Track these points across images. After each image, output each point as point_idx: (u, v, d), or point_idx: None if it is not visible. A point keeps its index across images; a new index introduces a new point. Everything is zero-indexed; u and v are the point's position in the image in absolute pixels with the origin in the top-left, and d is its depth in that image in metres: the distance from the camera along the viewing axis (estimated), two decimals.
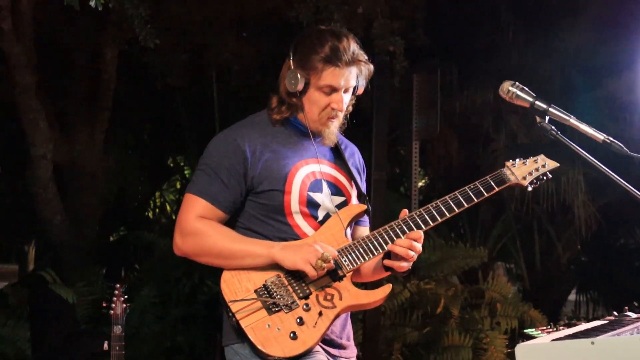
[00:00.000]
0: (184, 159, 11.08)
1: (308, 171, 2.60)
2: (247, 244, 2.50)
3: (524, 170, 2.63)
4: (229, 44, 7.46)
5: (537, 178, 2.64)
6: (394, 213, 2.65)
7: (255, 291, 2.46)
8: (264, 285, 2.47)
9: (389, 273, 2.63)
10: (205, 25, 7.31)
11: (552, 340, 2.16)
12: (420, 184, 10.33)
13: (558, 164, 2.68)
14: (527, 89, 2.50)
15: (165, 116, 9.73)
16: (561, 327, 2.49)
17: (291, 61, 2.57)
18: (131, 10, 5.19)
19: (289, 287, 2.47)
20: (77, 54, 7.51)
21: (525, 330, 2.51)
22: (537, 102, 2.47)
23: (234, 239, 2.52)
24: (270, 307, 2.43)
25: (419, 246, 2.52)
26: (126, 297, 3.97)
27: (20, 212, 8.82)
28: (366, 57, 2.60)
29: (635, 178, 2.76)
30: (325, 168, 2.65)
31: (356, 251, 2.52)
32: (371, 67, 2.62)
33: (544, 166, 2.65)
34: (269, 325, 2.41)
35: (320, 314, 2.44)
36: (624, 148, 2.39)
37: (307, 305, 2.45)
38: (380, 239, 2.53)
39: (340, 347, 2.61)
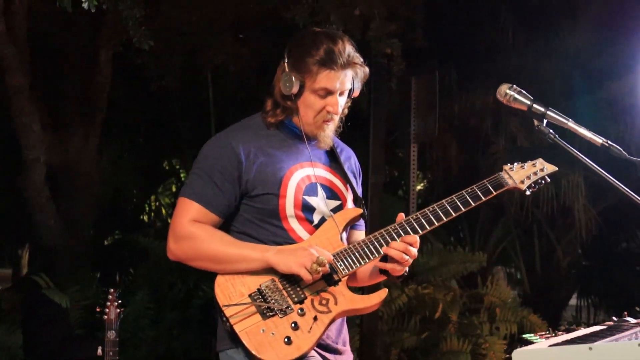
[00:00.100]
0: (180, 161, 11.06)
1: (303, 175, 2.59)
2: (241, 248, 2.49)
3: (522, 174, 2.62)
4: (224, 45, 7.45)
5: (536, 182, 2.64)
6: (392, 217, 2.64)
7: (250, 295, 2.44)
8: (259, 289, 2.45)
9: (385, 277, 2.60)
10: (200, 27, 7.29)
11: (549, 345, 2.16)
12: (418, 187, 10.32)
13: (557, 168, 2.67)
14: (524, 91, 2.49)
15: (160, 118, 9.71)
16: (560, 333, 2.48)
17: (286, 64, 2.56)
18: (125, 12, 5.16)
19: (284, 292, 2.45)
20: (71, 55, 7.48)
21: (523, 336, 2.51)
22: (534, 105, 2.46)
23: (229, 243, 2.50)
24: (265, 311, 2.42)
25: (414, 250, 2.51)
26: (120, 301, 3.98)
27: (14, 216, 8.76)
28: (362, 60, 2.59)
29: (636, 181, 2.73)
30: (320, 171, 2.63)
31: (352, 255, 2.51)
32: (367, 69, 2.61)
33: (542, 170, 2.64)
34: (263, 330, 2.40)
35: (315, 318, 2.43)
36: (623, 152, 2.38)
37: (301, 309, 2.43)
38: (376, 243, 2.51)
39: (336, 352, 2.59)
